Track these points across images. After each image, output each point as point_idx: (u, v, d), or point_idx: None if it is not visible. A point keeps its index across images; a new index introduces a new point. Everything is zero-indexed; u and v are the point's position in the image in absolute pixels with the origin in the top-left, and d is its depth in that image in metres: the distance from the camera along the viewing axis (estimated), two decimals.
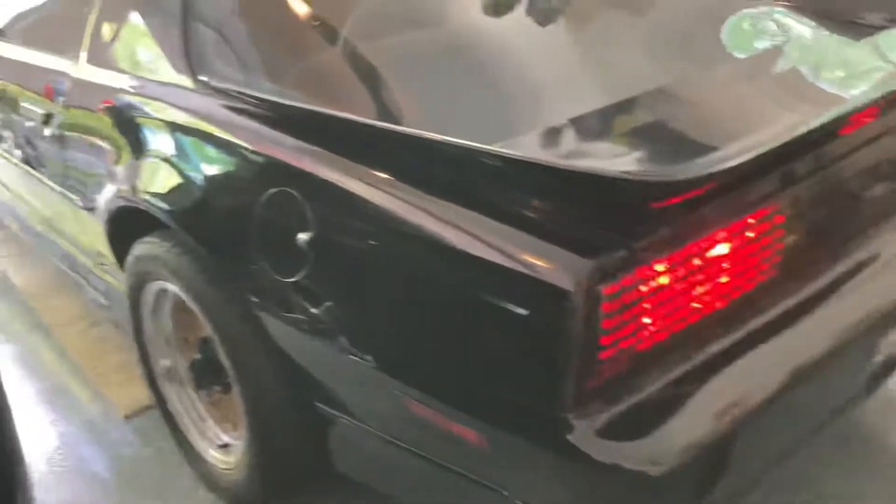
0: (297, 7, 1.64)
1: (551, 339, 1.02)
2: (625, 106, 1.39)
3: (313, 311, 1.33)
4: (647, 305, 1.05)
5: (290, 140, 1.34)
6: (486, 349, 1.12)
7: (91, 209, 1.89)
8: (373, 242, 1.24)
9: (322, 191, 1.27)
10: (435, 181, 1.18)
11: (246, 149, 1.42)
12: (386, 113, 1.45)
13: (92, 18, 1.89)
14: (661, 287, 1.06)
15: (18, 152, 2.29)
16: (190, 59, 1.59)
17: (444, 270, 1.14)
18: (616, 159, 1.21)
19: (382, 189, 1.20)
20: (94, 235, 1.96)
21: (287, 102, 1.42)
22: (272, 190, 1.35)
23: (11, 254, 3.05)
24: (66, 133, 1.91)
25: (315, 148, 1.30)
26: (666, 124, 1.33)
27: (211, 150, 1.51)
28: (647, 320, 1.06)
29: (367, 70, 1.56)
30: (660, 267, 1.05)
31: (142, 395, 2.08)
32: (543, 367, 1.05)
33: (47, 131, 1.97)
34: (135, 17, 1.78)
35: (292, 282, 1.34)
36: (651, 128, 1.32)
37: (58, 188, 2.05)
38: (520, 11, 1.89)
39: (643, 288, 1.04)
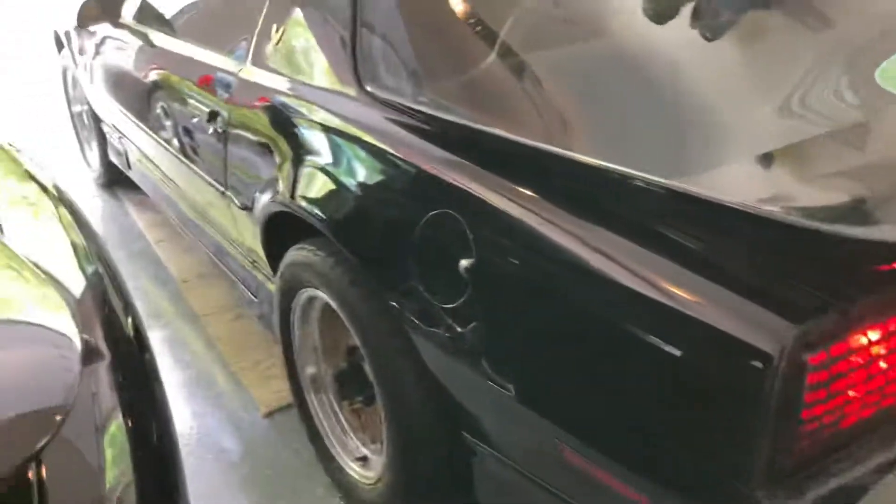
0: (470, 21, 1.58)
1: (745, 407, 0.91)
2: (820, 143, 1.25)
3: (469, 338, 1.27)
4: (857, 378, 0.92)
5: (457, 160, 1.29)
6: (663, 406, 1.02)
7: (247, 209, 1.91)
8: (541, 276, 1.16)
9: (488, 217, 1.21)
10: (615, 217, 1.09)
11: (410, 165, 1.37)
12: (560, 136, 1.37)
13: (260, 19, 1.91)
14: (876, 358, 0.93)
15: (176, 142, 2.36)
16: (357, 68, 1.56)
17: (621, 315, 1.05)
18: (825, 209, 1.08)
19: (555, 221, 1.12)
20: (248, 234, 1.99)
21: (456, 120, 1.36)
22: (435, 211, 1.29)
23: (165, 238, 3.18)
24: (228, 131, 1.94)
25: (484, 171, 1.24)
26: (871, 170, 1.19)
27: (373, 163, 1.48)
28: (855, 394, 0.94)
29: (539, 90, 1.48)
30: (874, 335, 0.92)
31: (282, 392, 2.11)
32: (733, 436, 0.94)
33: (210, 128, 2.01)
34: (303, 22, 1.77)
35: (448, 307, 1.28)
36: (856, 173, 1.17)
37: (215, 183, 2.09)
38: (690, 24, 1.77)
39: (855, 359, 0.91)
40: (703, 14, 1.74)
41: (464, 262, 1.23)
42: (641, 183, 1.10)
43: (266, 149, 1.79)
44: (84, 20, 2.76)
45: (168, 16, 2.65)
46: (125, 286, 1.50)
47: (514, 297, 1.20)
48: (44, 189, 1.64)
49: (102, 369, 0.99)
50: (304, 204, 1.62)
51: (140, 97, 2.60)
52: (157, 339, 2.52)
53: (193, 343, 2.52)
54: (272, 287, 1.99)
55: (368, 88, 1.52)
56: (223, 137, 1.96)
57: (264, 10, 1.90)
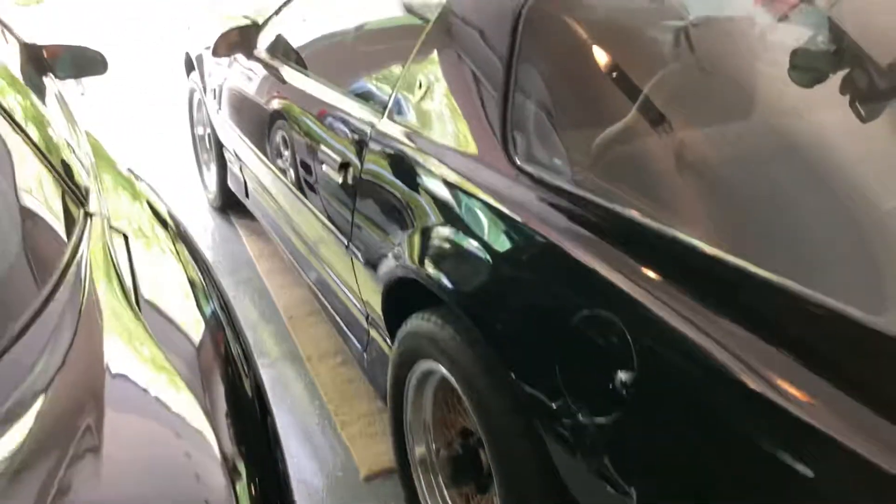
0: (639, 101, 1.46)
1: None
2: None
3: (612, 450, 1.14)
4: None
5: (624, 258, 1.16)
6: None
7: (371, 266, 1.83)
8: (711, 404, 1.02)
9: (659, 330, 1.07)
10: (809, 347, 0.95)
11: (565, 254, 1.25)
12: (747, 246, 1.21)
13: (404, 71, 1.84)
14: None
15: (299, 182, 2.31)
16: (507, 138, 1.46)
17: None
18: None
19: (732, 348, 0.99)
20: (368, 290, 1.91)
21: (624, 212, 1.23)
22: (590, 309, 1.17)
23: (274, 270, 3.16)
24: (358, 185, 1.87)
25: (658, 278, 1.11)
26: None
27: (519, 242, 1.37)
28: None
29: (723, 187, 1.34)
30: None
31: (384, 454, 2.02)
32: None
33: (339, 177, 1.95)
34: (451, 81, 1.68)
35: (595, 419, 1.15)
36: None
37: (338, 233, 2.03)
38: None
39: None
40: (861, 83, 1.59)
41: (622, 375, 1.10)
42: (837, 311, 0.95)
43: (398, 209, 1.71)
44: (221, 50, 2.77)
45: (303, 52, 2.63)
46: (242, 330, 1.45)
47: (677, 423, 1.07)
48: (163, 223, 1.62)
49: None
50: (432, 272, 1.53)
51: (265, 130, 2.59)
52: (265, 372, 2.47)
53: (295, 386, 2.46)
54: (385, 347, 1.91)
55: (519, 163, 1.42)
56: (352, 190, 1.89)
57: (409, 62, 1.83)
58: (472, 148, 1.54)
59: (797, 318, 1.01)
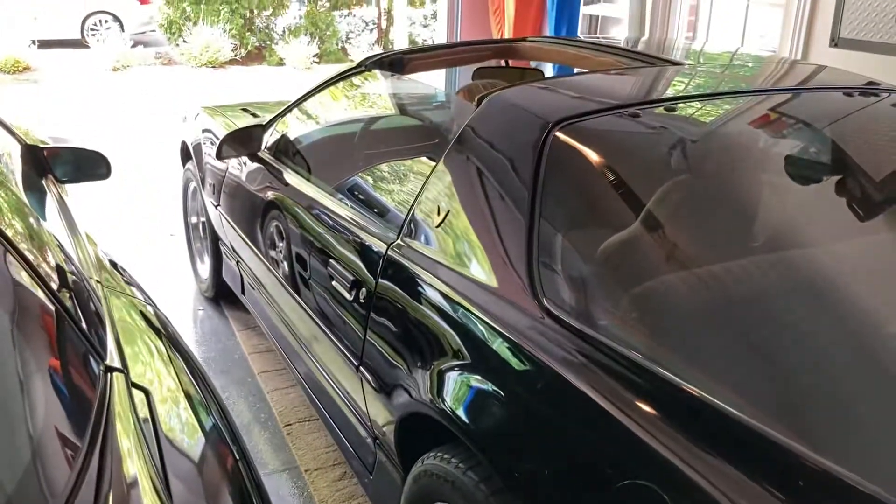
0: (678, 240, 1.43)
1: None
2: None
3: None
4: None
5: (657, 419, 1.12)
6: None
7: (384, 392, 1.77)
8: None
9: (692, 491, 1.03)
10: None
11: (598, 408, 1.20)
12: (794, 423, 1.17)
13: (421, 192, 1.81)
14: None
15: (304, 292, 2.26)
16: (533, 276, 1.43)
17: None
18: None
19: None
20: (378, 415, 1.84)
21: (666, 375, 1.19)
22: (617, 465, 1.13)
23: (269, 369, 3.07)
24: (371, 308, 1.82)
25: (691, 444, 1.07)
26: None
27: (547, 388, 1.32)
28: None
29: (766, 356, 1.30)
30: None
31: None
32: None
33: (350, 296, 1.90)
34: (472, 207, 1.66)
35: None
36: None
37: (347, 354, 1.97)
38: None
39: None
40: None
41: None
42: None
43: (414, 338, 1.66)
44: (225, 151, 2.72)
45: (310, 155, 2.61)
46: (242, 440, 1.41)
47: None
48: (157, 332, 1.56)
49: None
50: (448, 408, 1.47)
51: (268, 236, 2.54)
52: None
53: (292, 502, 2.36)
54: (395, 474, 1.83)
55: (547, 304, 1.38)
56: (364, 312, 1.84)
57: (427, 182, 1.80)
58: (495, 281, 1.50)
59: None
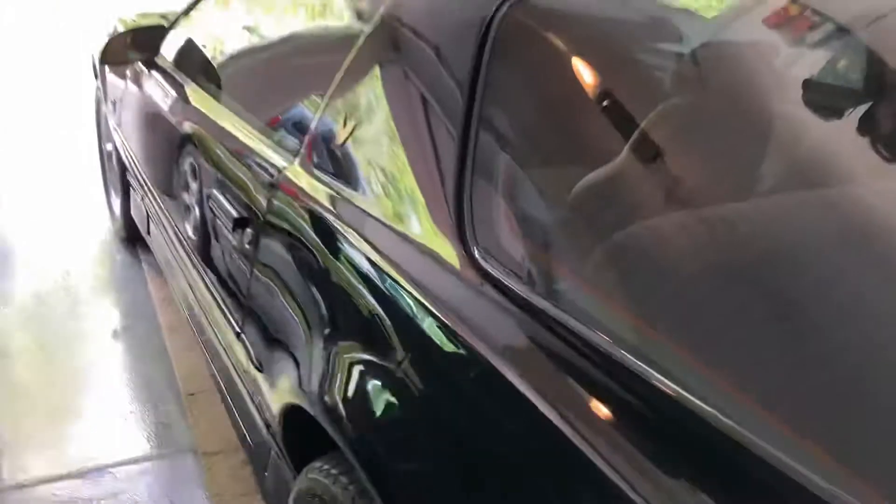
0: (690, 176, 0.95)
1: None
2: None
3: None
4: None
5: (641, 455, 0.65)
6: None
7: (268, 374, 1.30)
8: None
9: None
10: None
11: (553, 429, 0.74)
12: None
13: (324, 101, 1.31)
14: None
15: (193, 235, 1.77)
16: (462, 217, 0.95)
17: None
18: None
19: None
20: (265, 396, 1.37)
21: (666, 377, 0.71)
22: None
23: (179, 327, 2.57)
24: (254, 252, 1.34)
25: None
26: None
27: (479, 388, 0.85)
28: None
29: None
30: None
31: None
32: None
33: (232, 239, 1.42)
34: (386, 119, 1.16)
35: None
36: None
37: (231, 315, 1.49)
38: None
39: None
40: None
41: None
42: None
43: (297, 303, 1.18)
44: (111, 57, 2.20)
45: (218, 65, 2.09)
46: None
47: None
48: None
49: None
50: (329, 405, 1.01)
51: (161, 161, 2.05)
52: (143, 478, 1.92)
53: (186, 490, 1.91)
54: (288, 477, 1.38)
55: (485, 264, 0.90)
56: (248, 263, 1.36)
57: (332, 87, 1.30)
58: (414, 227, 1.02)
59: None
